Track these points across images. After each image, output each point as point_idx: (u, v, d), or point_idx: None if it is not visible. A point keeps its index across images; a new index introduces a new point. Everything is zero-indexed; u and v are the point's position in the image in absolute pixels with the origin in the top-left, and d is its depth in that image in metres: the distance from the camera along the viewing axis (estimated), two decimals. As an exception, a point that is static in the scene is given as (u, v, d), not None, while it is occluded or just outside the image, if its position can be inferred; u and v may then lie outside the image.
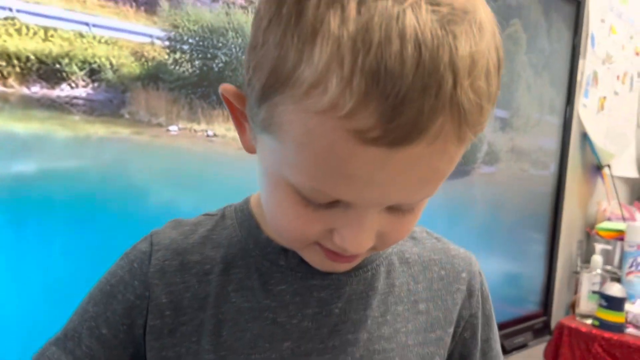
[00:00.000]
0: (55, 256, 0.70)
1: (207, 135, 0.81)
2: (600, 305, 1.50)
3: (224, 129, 0.81)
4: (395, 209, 0.38)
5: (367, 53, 0.28)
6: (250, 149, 0.41)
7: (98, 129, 0.72)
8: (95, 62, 0.71)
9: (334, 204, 0.36)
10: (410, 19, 0.29)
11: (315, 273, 0.46)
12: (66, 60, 0.69)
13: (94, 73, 0.71)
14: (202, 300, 0.45)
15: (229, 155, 0.82)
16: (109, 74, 0.73)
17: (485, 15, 0.33)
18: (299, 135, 0.32)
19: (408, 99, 0.29)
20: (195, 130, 0.79)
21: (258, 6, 0.35)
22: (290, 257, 0.46)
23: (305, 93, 0.30)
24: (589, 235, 1.92)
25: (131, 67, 0.74)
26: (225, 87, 0.39)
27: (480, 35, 0.31)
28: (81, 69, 0.71)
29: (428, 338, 0.48)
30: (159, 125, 0.77)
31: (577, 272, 1.86)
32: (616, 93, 2.01)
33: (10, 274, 0.67)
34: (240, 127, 0.42)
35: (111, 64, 0.73)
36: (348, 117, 0.30)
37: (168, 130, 0.78)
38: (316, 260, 0.43)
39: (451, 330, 0.50)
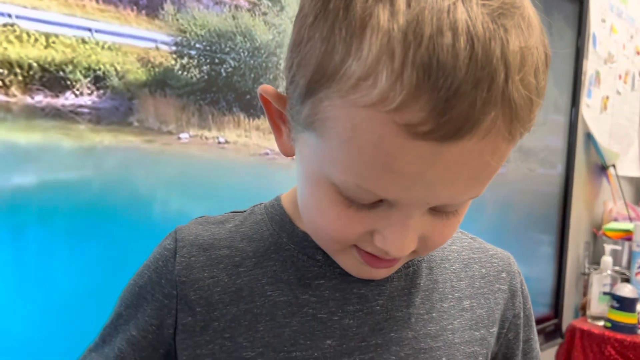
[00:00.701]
0: (58, 268, 0.67)
1: (219, 142, 0.78)
2: (612, 307, 1.48)
3: (235, 135, 0.79)
4: (439, 211, 0.37)
5: (419, 46, 0.28)
6: (288, 151, 0.40)
7: (105, 138, 0.70)
8: (99, 68, 0.69)
9: (377, 204, 0.35)
10: (461, 12, 0.29)
11: None
12: (70, 68, 0.67)
13: (98, 80, 0.69)
14: (234, 294, 0.44)
15: (241, 162, 0.80)
16: (115, 81, 0.70)
17: (532, 11, 0.33)
18: (345, 130, 0.31)
19: (461, 93, 0.28)
20: (206, 138, 0.77)
21: (302, 3, 0.34)
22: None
23: (353, 87, 0.30)
24: (596, 236, 1.91)
25: (137, 73, 0.72)
26: (265, 88, 0.38)
27: (529, 31, 0.31)
28: (85, 76, 0.68)
29: (473, 336, 0.47)
30: (170, 132, 0.74)
31: (584, 274, 1.84)
32: (618, 92, 2.01)
33: (11, 287, 0.64)
34: (277, 129, 0.41)
35: (116, 70, 0.70)
36: (398, 111, 0.29)
37: (179, 138, 0.75)
38: (352, 265, 0.41)
39: (494, 330, 0.48)
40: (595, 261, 1.79)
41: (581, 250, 1.88)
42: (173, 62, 0.75)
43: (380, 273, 0.42)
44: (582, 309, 1.72)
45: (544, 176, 1.63)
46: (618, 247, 1.72)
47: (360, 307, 0.44)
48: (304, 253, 0.44)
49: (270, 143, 0.81)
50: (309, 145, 0.35)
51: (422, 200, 0.34)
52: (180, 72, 0.75)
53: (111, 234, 0.71)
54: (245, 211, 0.49)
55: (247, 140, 0.79)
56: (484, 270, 0.50)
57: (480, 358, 0.47)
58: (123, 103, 0.71)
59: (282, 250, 0.45)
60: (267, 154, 0.82)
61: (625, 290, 1.46)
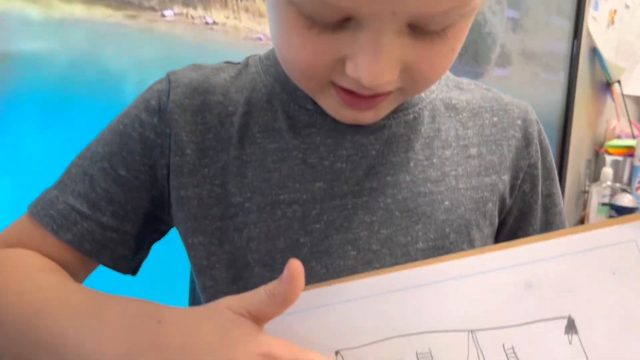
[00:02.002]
0: (24, 143, 0.64)
1: (206, 23, 0.75)
2: (611, 217, 1.49)
3: (222, 16, 0.76)
4: (420, 32, 0.33)
5: None
6: None
7: (75, 9, 0.65)
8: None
9: (342, 25, 0.33)
10: None
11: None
12: None
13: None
14: (225, 142, 0.43)
15: (231, 46, 0.77)
16: None
17: None
18: None
19: None
20: (192, 17, 0.73)
21: None
22: None
23: None
24: (598, 154, 1.90)
25: None
26: None
27: None
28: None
29: (482, 182, 0.45)
30: (152, 9, 0.70)
31: (585, 192, 1.84)
32: (627, 6, 1.93)
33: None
34: None
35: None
36: None
37: (163, 15, 0.71)
38: (332, 107, 0.40)
39: (506, 177, 0.46)
40: (596, 179, 1.79)
41: (582, 169, 1.87)
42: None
43: (365, 117, 0.40)
44: (581, 223, 1.73)
45: (547, 82, 1.59)
46: (619, 158, 1.71)
47: (354, 151, 0.43)
48: (296, 102, 0.44)
49: (262, 27, 0.78)
50: None
51: (387, 9, 0.31)
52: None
53: (82, 111, 0.68)
54: (239, 63, 0.48)
55: (237, 23, 0.76)
56: (495, 119, 0.47)
57: (490, 204, 0.45)
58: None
59: (275, 100, 0.44)
60: (259, 39, 0.79)
61: (625, 200, 1.46)
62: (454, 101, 0.47)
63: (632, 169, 1.70)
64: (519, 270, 0.36)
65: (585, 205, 1.82)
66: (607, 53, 1.82)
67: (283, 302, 0.32)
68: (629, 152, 1.75)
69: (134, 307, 0.35)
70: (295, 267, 0.31)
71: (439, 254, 0.42)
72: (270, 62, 0.46)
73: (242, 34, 0.77)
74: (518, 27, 1.38)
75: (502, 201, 0.47)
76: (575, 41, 1.66)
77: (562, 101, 1.68)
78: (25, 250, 0.43)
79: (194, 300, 0.49)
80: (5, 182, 0.64)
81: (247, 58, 0.48)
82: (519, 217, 0.49)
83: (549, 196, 0.50)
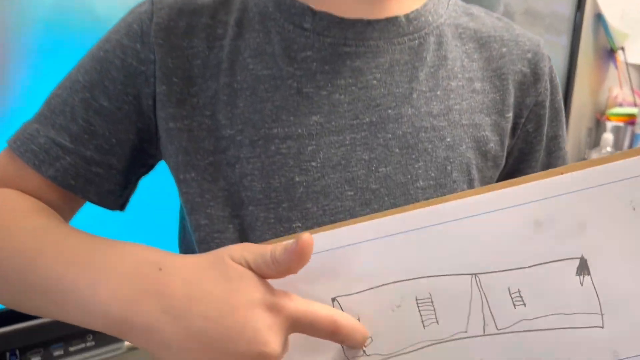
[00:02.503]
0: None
1: None
2: (609, 184, 1.49)
3: None
4: None
5: None
6: None
7: None
8: None
9: None
10: None
11: (348, 39, 0.40)
12: None
13: None
14: (214, 68, 0.41)
15: None
16: None
17: None
18: None
19: None
20: None
21: None
22: (318, 19, 0.40)
23: None
24: (599, 122, 1.89)
25: None
26: None
27: None
28: None
29: (484, 121, 0.43)
30: None
31: (584, 159, 1.84)
32: (634, -28, 1.89)
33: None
34: None
35: None
36: None
37: None
38: None
39: (510, 115, 0.44)
40: (596, 147, 1.79)
41: (583, 136, 1.86)
42: None
43: None
44: (580, 190, 1.74)
45: (550, 44, 1.57)
46: (620, 125, 1.70)
47: (353, 80, 0.40)
48: (290, 22, 0.41)
49: None
50: None
51: None
52: None
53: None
54: None
55: None
56: (504, 49, 0.45)
57: (492, 144, 0.43)
58: None
59: (268, 20, 0.41)
60: None
61: (624, 166, 1.46)
62: (460, 30, 0.45)
63: (633, 136, 1.69)
64: (528, 208, 0.34)
65: (584, 173, 1.82)
66: (612, 19, 1.79)
67: (285, 270, 0.32)
68: (630, 120, 1.74)
69: (133, 253, 0.34)
70: (306, 241, 0.31)
71: (440, 194, 0.41)
72: None
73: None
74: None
75: (502, 142, 0.45)
76: (579, 6, 1.63)
77: (564, 67, 1.66)
78: (9, 191, 0.41)
79: (184, 240, 0.48)
80: None
81: None
82: (520, 158, 0.47)
83: (554, 138, 0.48)
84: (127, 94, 0.41)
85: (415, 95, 0.41)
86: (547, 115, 0.47)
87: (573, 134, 1.78)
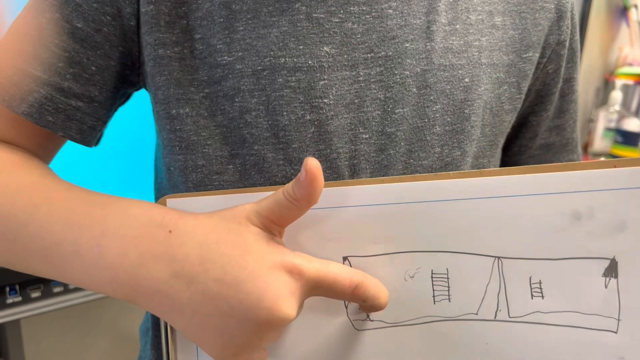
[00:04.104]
0: None
1: None
2: (616, 142, 1.47)
3: None
4: None
5: None
6: None
7: None
8: None
9: None
10: None
11: None
12: None
13: None
14: None
15: None
16: None
17: None
18: None
19: None
20: None
21: None
22: None
23: None
24: (607, 82, 1.85)
25: None
26: None
27: None
28: None
29: (501, 60, 0.40)
30: None
31: (591, 120, 1.82)
32: None
33: None
34: None
35: None
36: None
37: None
38: None
39: (529, 55, 0.41)
40: (605, 106, 1.76)
41: (590, 96, 1.83)
42: None
43: None
44: (584, 149, 1.72)
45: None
46: (630, 83, 1.67)
47: (367, 8, 0.36)
48: None
49: None
50: None
51: None
52: None
53: None
54: None
55: None
56: None
57: (505, 87, 0.40)
58: None
59: None
60: None
61: (632, 125, 1.45)
62: None
63: (642, 96, 1.66)
64: (569, 198, 0.32)
65: (590, 133, 1.80)
66: (627, -26, 1.74)
67: (307, 204, 0.30)
68: (640, 80, 1.71)
69: (138, 214, 0.32)
70: (313, 166, 0.29)
71: (457, 140, 0.38)
72: None
73: None
74: None
75: (519, 83, 0.42)
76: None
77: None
78: None
79: (161, 185, 0.43)
80: None
81: None
82: (535, 100, 0.45)
83: (568, 80, 0.46)
84: (104, 13, 0.36)
85: (433, 28, 0.38)
86: (565, 56, 0.44)
87: (581, 93, 1.75)
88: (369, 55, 0.36)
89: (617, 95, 1.56)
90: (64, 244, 0.32)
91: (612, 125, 1.55)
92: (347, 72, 0.36)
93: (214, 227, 0.31)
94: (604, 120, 1.55)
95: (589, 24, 1.65)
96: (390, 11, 0.37)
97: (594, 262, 0.33)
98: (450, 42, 0.38)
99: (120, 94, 0.41)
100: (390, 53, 0.37)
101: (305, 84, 0.36)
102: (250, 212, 0.31)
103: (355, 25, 0.36)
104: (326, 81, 0.36)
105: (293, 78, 0.36)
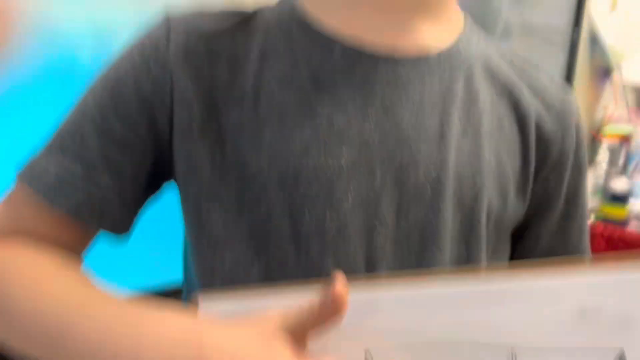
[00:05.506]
0: None
1: None
2: (605, 200, 1.50)
3: None
4: None
5: None
6: None
7: None
8: None
9: None
10: None
11: (379, 65, 0.38)
12: None
13: None
14: (237, 95, 0.38)
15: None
16: None
17: None
18: None
19: None
20: None
21: None
22: (349, 51, 0.38)
23: None
24: (594, 139, 1.90)
25: None
26: None
27: None
28: None
29: (507, 165, 0.42)
30: None
31: (580, 177, 1.85)
32: (630, -8, 1.92)
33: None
34: None
35: None
36: None
37: None
38: None
39: (532, 162, 0.43)
40: (592, 163, 1.80)
41: (578, 154, 1.88)
42: None
43: None
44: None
45: (547, 65, 1.59)
46: (615, 143, 1.71)
47: (385, 114, 0.38)
48: (318, 48, 0.39)
49: None
50: None
51: None
52: None
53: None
54: (247, 11, 0.42)
55: None
56: (532, 96, 0.44)
57: (511, 190, 0.42)
58: None
59: (293, 44, 0.39)
60: None
61: (619, 184, 1.47)
62: (491, 69, 0.43)
63: (628, 155, 1.70)
64: (575, 295, 0.34)
65: (579, 190, 1.83)
66: (608, 38, 1.82)
67: (332, 324, 0.32)
68: (625, 138, 1.76)
69: (168, 329, 0.32)
70: (340, 292, 0.31)
71: (468, 241, 0.40)
72: (284, 4, 0.41)
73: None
74: (517, 2, 1.37)
75: (524, 188, 0.44)
76: (576, 23, 1.65)
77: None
78: (23, 245, 0.38)
79: (189, 276, 0.45)
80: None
81: (257, 8, 0.43)
82: (539, 204, 0.46)
83: (573, 187, 0.46)
84: (141, 118, 0.39)
85: (447, 133, 0.39)
86: (569, 169, 0.45)
87: (569, 151, 1.79)
88: (386, 159, 0.38)
89: (604, 156, 1.59)
90: (100, 355, 0.33)
91: (601, 184, 1.57)
92: (366, 176, 0.38)
93: (243, 343, 0.31)
94: (592, 180, 1.58)
95: (574, 84, 1.71)
96: (407, 117, 0.39)
97: (602, 352, 0.34)
98: (463, 146, 0.40)
99: (152, 187, 0.43)
100: (406, 157, 0.38)
101: (326, 188, 0.37)
102: (278, 327, 0.32)
103: (374, 132, 0.38)
104: (346, 184, 0.37)
105: (315, 182, 0.37)
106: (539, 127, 0.43)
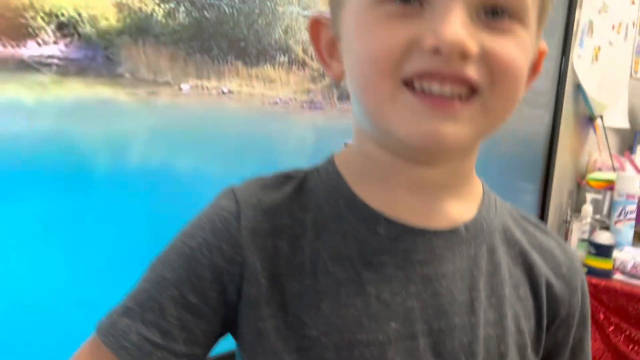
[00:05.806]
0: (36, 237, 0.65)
1: (222, 93, 0.77)
2: (589, 253, 1.54)
3: (235, 84, 0.78)
4: (490, 25, 0.37)
5: None
6: (338, 74, 0.44)
7: (100, 90, 0.68)
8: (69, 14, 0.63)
9: (412, 13, 0.37)
10: None
11: (418, 246, 0.43)
12: (31, 14, 0.60)
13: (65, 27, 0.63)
14: (297, 269, 0.42)
15: (251, 112, 0.79)
16: (88, 29, 0.65)
17: None
18: None
19: None
20: (208, 88, 0.75)
21: None
22: (391, 226, 0.43)
23: None
24: (580, 185, 1.96)
25: (114, 18, 0.67)
26: (318, 14, 0.44)
27: None
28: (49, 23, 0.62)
29: (526, 327, 0.46)
30: (167, 83, 0.73)
31: (566, 221, 1.90)
32: (610, 43, 2.00)
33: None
34: (323, 60, 0.45)
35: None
36: None
37: (180, 89, 0.74)
38: (407, 118, 0.38)
39: (544, 324, 0.48)
40: (578, 209, 1.85)
41: (564, 199, 1.93)
42: (156, 7, 0.71)
43: (445, 129, 0.37)
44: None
45: (532, 116, 1.63)
46: (599, 197, 1.77)
47: (423, 287, 0.43)
48: (364, 225, 0.43)
49: (275, 92, 0.80)
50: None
51: None
52: (164, 19, 0.72)
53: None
54: (296, 175, 0.46)
55: (251, 90, 0.78)
56: (542, 261, 0.48)
57: (529, 350, 0.46)
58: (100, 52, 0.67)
59: (341, 221, 0.43)
60: (276, 103, 0.80)
61: (603, 237, 1.52)
62: (508, 234, 0.48)
63: (612, 202, 1.76)
64: None
65: (567, 234, 1.88)
66: (591, 89, 1.88)
67: None
68: (609, 185, 1.82)
69: None
70: None
71: None
72: (331, 177, 0.45)
73: (258, 100, 0.80)
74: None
75: (537, 346, 0.48)
76: (560, 81, 1.72)
77: (546, 134, 1.73)
78: None
79: None
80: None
81: (305, 172, 0.47)
82: (545, 356, 0.50)
83: (579, 341, 0.51)
84: (213, 290, 0.42)
85: (476, 304, 0.44)
86: (575, 323, 0.50)
87: (555, 197, 1.85)
88: (426, 327, 0.42)
89: (588, 209, 1.65)
90: None
91: (585, 236, 1.62)
92: (409, 343, 0.42)
93: None
94: (577, 232, 1.63)
95: (560, 132, 1.77)
96: (442, 290, 0.43)
97: None
98: (489, 315, 0.44)
99: (215, 343, 0.46)
100: (442, 326, 0.43)
101: (376, 356, 0.41)
102: None
103: (415, 303, 0.43)
104: (393, 352, 0.41)
105: (367, 350, 0.41)
106: (548, 290, 0.48)
